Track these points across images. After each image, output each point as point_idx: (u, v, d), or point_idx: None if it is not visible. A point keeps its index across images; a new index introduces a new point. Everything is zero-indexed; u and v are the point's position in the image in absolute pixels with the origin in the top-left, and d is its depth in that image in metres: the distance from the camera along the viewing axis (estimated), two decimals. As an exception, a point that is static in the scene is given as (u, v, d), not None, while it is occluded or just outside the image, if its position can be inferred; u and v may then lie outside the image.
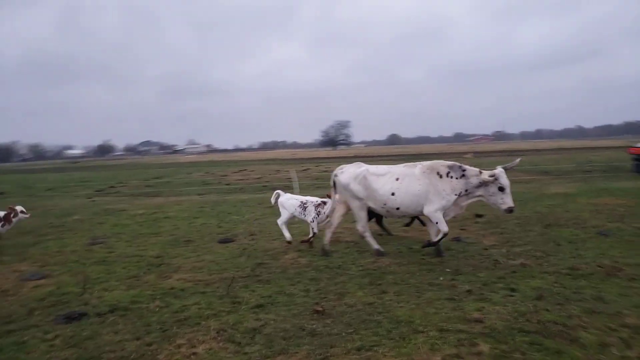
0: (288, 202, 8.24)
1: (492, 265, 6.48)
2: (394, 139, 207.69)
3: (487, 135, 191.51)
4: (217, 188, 22.22)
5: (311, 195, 8.56)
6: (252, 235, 9.35)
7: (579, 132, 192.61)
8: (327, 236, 7.55)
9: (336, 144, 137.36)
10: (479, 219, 10.08)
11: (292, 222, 8.42)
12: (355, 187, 7.22)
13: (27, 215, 9.16)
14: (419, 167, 7.08)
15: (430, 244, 7.03)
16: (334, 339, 4.25)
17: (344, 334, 4.35)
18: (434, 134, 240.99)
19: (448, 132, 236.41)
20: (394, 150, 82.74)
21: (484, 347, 3.92)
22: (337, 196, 7.60)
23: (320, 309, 4.96)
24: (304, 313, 4.92)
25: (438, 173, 6.89)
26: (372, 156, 57.26)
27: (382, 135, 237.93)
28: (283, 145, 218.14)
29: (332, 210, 7.72)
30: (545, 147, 66.85)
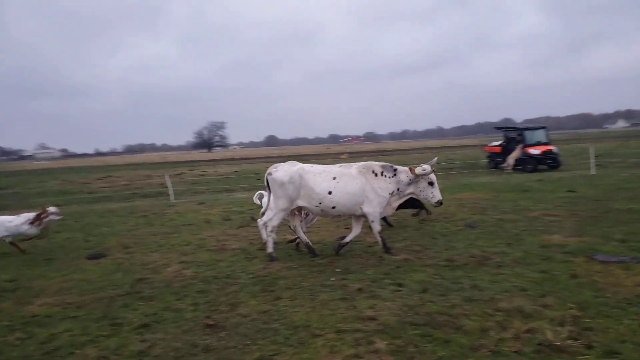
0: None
1: (378, 262, 6.76)
2: (271, 141, 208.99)
3: (359, 136, 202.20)
4: (79, 197, 20.21)
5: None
6: (126, 248, 8.60)
7: (439, 132, 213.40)
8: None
9: (211, 145, 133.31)
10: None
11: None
12: (290, 186, 7.04)
13: (60, 217, 9.07)
14: (354, 167, 7.24)
15: (341, 245, 7.29)
16: (230, 353, 4.03)
17: (240, 346, 4.16)
18: (310, 135, 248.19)
19: (324, 134, 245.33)
20: (273, 152, 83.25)
21: (381, 344, 4.02)
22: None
23: (213, 322, 4.70)
24: (195, 328, 4.61)
25: (373, 172, 7.14)
26: (251, 158, 56.95)
27: (259, 137, 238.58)
28: (152, 147, 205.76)
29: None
30: (411, 146, 72.50)
